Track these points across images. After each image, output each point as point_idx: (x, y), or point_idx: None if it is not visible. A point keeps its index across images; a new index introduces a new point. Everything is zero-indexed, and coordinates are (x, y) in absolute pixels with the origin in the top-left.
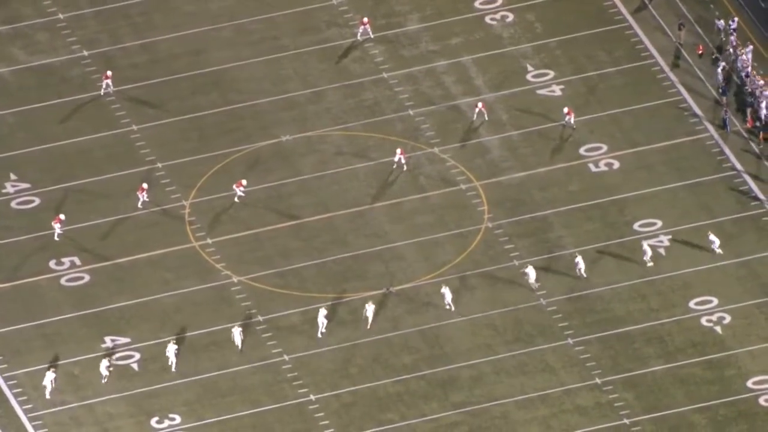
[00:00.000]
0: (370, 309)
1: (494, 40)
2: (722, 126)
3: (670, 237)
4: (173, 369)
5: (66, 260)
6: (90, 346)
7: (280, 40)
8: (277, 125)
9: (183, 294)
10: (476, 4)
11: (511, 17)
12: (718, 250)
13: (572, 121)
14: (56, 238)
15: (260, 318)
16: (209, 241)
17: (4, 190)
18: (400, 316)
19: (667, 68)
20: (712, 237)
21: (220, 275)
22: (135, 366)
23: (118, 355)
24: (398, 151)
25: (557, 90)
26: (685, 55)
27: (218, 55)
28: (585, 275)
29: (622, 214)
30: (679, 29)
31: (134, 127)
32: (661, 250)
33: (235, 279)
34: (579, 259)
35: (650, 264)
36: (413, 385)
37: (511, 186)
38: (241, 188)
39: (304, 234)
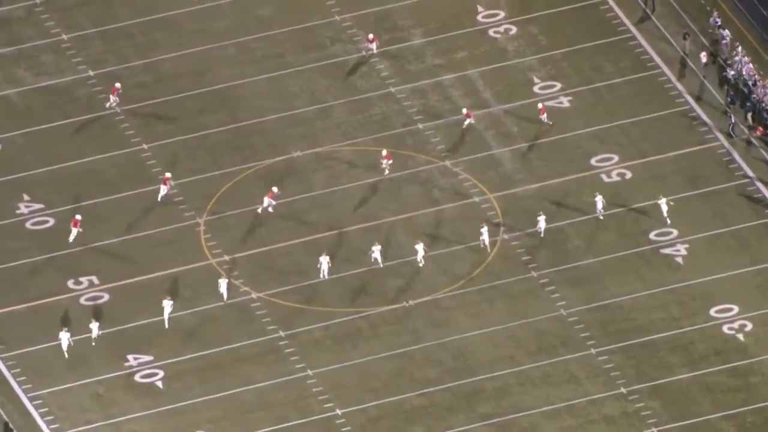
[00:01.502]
0: (377, 250)
1: (499, 53)
2: (730, 134)
3: (687, 246)
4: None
5: (84, 279)
6: (113, 364)
7: (284, 57)
8: (286, 142)
9: (203, 311)
10: (479, 18)
11: (514, 30)
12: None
13: (545, 118)
14: (70, 239)
15: (282, 334)
16: (226, 258)
17: (18, 211)
18: (420, 329)
19: (673, 78)
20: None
21: (238, 292)
22: (159, 384)
23: (141, 373)
24: (383, 153)
25: (565, 101)
26: (691, 64)
27: (223, 73)
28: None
29: (638, 223)
30: (684, 39)
31: (144, 146)
32: (679, 259)
33: (254, 295)
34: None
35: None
36: (438, 397)
37: (525, 198)
38: (272, 199)
39: (319, 249)
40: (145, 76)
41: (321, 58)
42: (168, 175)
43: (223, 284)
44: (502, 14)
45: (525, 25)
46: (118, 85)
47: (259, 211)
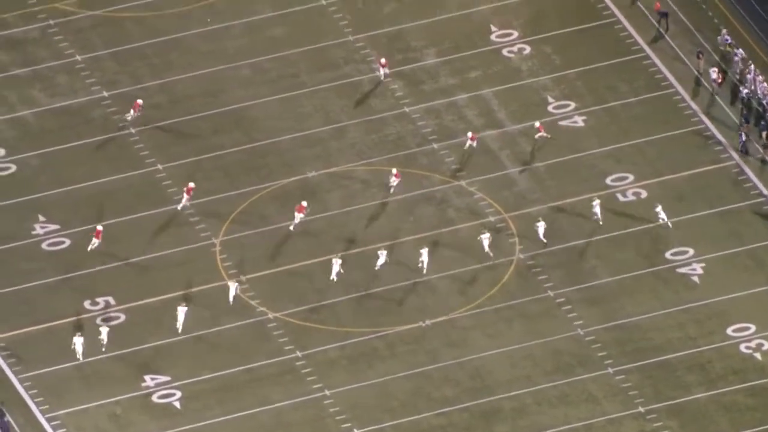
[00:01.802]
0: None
1: (513, 72)
2: (744, 152)
3: (703, 265)
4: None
5: (101, 300)
6: (130, 384)
7: (298, 77)
8: (301, 162)
9: (220, 331)
10: (492, 38)
11: (528, 50)
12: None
13: (545, 134)
14: (89, 248)
15: (299, 354)
16: (243, 278)
17: (33, 232)
18: (437, 349)
19: (687, 97)
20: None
21: (255, 312)
22: (177, 404)
23: (159, 393)
24: (393, 171)
25: (579, 121)
26: (705, 83)
27: (237, 93)
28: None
29: (654, 242)
30: (698, 58)
31: (159, 167)
32: (695, 278)
33: (270, 315)
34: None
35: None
36: (456, 417)
37: (541, 216)
38: (303, 213)
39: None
40: (159, 97)
41: (334, 78)
42: (191, 185)
43: (232, 288)
44: (515, 34)
45: (538, 44)
46: (140, 101)
47: (291, 228)
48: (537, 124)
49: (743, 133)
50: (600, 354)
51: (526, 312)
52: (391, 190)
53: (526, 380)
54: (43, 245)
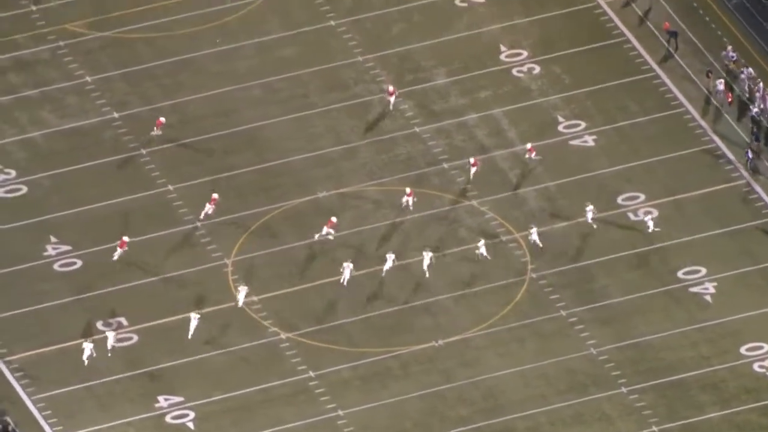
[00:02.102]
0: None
1: (523, 92)
2: (753, 170)
3: (715, 284)
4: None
5: (113, 321)
6: (143, 405)
7: (308, 98)
8: (312, 182)
9: (232, 352)
10: (502, 57)
11: (537, 69)
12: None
13: (535, 156)
14: (114, 258)
15: (312, 374)
16: (255, 298)
17: (45, 253)
18: (450, 368)
19: (698, 116)
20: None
21: (267, 332)
22: (190, 425)
23: (172, 414)
24: (407, 191)
25: (590, 140)
26: (715, 102)
27: (248, 114)
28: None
29: (665, 262)
30: (707, 77)
31: (170, 187)
32: (708, 298)
33: (283, 336)
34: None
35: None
36: None
37: (552, 236)
38: (331, 228)
39: (348, 289)
40: (170, 117)
41: (345, 98)
42: (215, 196)
43: (242, 291)
44: (525, 54)
45: (548, 64)
46: (162, 119)
47: (316, 237)
48: (528, 146)
49: (749, 151)
50: (613, 373)
51: (538, 331)
52: (410, 208)
53: (539, 399)
54: (55, 266)
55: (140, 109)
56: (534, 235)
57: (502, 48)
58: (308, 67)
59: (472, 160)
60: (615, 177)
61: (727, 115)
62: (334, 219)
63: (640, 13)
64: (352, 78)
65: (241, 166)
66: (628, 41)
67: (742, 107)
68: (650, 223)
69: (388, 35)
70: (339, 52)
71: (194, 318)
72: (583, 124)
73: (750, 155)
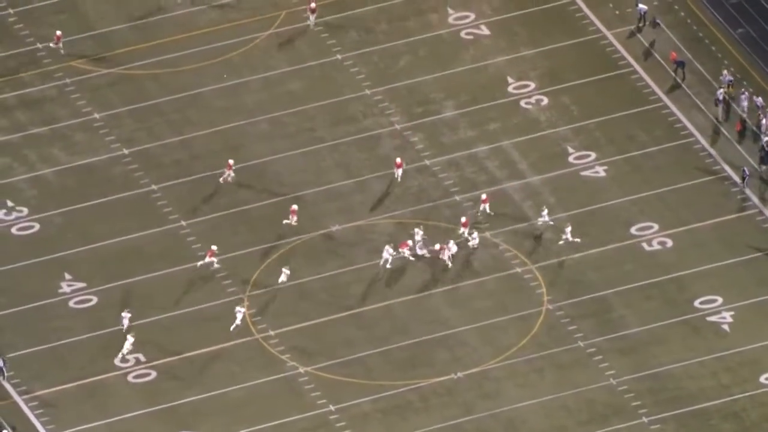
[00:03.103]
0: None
1: (532, 123)
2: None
3: (732, 313)
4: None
5: (131, 357)
6: None
7: (316, 131)
8: (324, 216)
9: (251, 387)
10: (510, 89)
11: (546, 101)
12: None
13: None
14: (198, 264)
15: (331, 408)
16: (271, 333)
17: (60, 290)
18: (470, 401)
19: (707, 145)
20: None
21: (286, 366)
22: None
23: None
24: (419, 231)
25: (601, 171)
26: (724, 131)
27: (257, 148)
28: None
29: (682, 291)
30: (716, 105)
31: (183, 223)
32: (725, 327)
33: (301, 370)
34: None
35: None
36: None
37: (567, 267)
38: (405, 249)
39: (364, 323)
40: (179, 153)
41: (354, 131)
42: (214, 247)
43: (239, 313)
44: (532, 85)
45: (556, 95)
46: (231, 161)
47: (284, 222)
48: (483, 196)
49: (745, 169)
50: (634, 403)
51: (557, 362)
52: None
53: (561, 430)
54: (71, 303)
55: (149, 145)
56: (545, 217)
57: (510, 80)
58: (315, 101)
59: (483, 197)
60: (628, 207)
61: (737, 144)
62: (294, 207)
63: (646, 43)
64: (361, 111)
65: (252, 200)
66: (635, 71)
67: (743, 134)
68: (568, 234)
69: (395, 68)
70: (346, 86)
71: (239, 310)
72: (594, 155)
73: (747, 173)
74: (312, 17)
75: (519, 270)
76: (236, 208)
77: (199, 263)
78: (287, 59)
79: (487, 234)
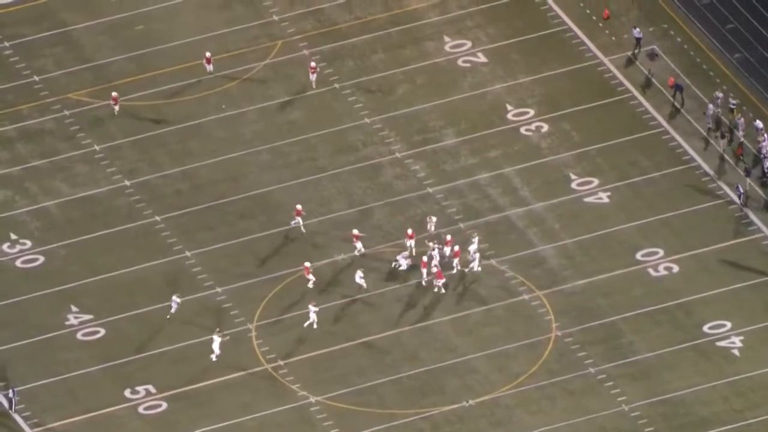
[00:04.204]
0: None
1: (533, 150)
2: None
3: (741, 338)
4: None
5: (140, 389)
6: None
7: (317, 161)
8: (329, 245)
9: (263, 417)
10: (509, 116)
11: (546, 127)
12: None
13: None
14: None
15: None
16: (281, 362)
17: (67, 323)
18: (482, 428)
19: (710, 170)
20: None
21: (297, 396)
22: None
23: None
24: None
25: (604, 197)
26: (727, 157)
27: (258, 178)
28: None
29: (690, 316)
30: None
31: (188, 254)
32: (735, 351)
33: (312, 399)
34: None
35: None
36: None
37: (574, 294)
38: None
39: (374, 351)
40: (181, 184)
41: (355, 160)
42: (299, 207)
43: (216, 342)
44: (531, 112)
45: (556, 122)
46: (299, 206)
47: (292, 224)
48: (448, 237)
49: (739, 186)
50: (647, 429)
51: (568, 389)
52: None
53: None
54: (79, 335)
55: (151, 176)
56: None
57: (509, 107)
58: (315, 131)
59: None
60: (632, 233)
61: (738, 169)
62: (299, 206)
63: (643, 69)
64: (361, 140)
65: (256, 230)
66: (633, 97)
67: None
68: (402, 262)
69: (392, 97)
70: (345, 115)
71: (216, 339)
72: (596, 181)
73: (741, 190)
74: (313, 77)
75: (526, 297)
76: (240, 238)
77: (293, 222)
78: (284, 89)
79: (493, 261)
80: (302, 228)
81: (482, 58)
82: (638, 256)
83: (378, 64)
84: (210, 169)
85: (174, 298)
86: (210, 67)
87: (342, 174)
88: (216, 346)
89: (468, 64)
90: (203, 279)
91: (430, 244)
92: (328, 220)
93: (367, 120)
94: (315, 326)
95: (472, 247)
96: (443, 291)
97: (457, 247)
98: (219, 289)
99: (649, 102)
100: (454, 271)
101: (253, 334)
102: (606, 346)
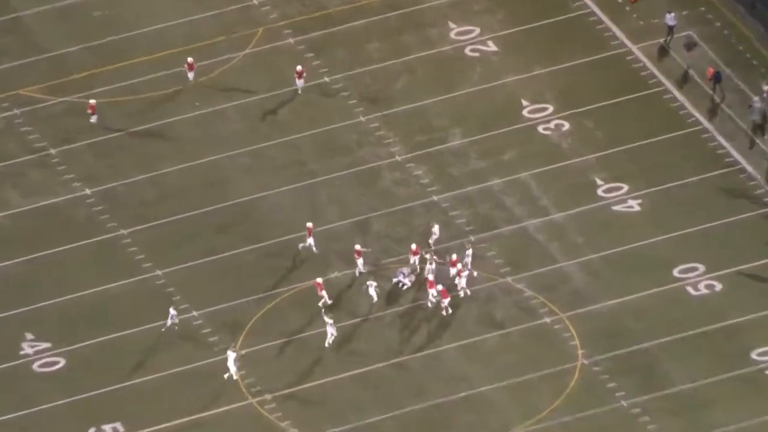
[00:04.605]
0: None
1: (552, 152)
2: None
3: None
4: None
5: (107, 428)
6: None
7: (306, 164)
8: (321, 261)
9: None
10: (525, 113)
11: (567, 125)
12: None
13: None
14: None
15: None
16: (267, 397)
17: (22, 352)
18: None
19: (757, 174)
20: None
21: None
22: None
23: None
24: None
25: (635, 205)
26: None
27: (239, 185)
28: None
29: (735, 341)
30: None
31: (159, 272)
32: None
33: None
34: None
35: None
36: None
37: (602, 316)
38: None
39: (373, 382)
40: (149, 193)
41: (349, 164)
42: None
43: (231, 358)
44: (550, 108)
45: (578, 118)
46: (310, 224)
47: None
48: (453, 256)
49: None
50: None
51: (598, 425)
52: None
53: None
54: (35, 366)
55: (115, 184)
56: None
57: (524, 102)
58: (303, 131)
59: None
60: (668, 246)
61: None
62: (309, 224)
63: (678, 59)
64: (355, 141)
65: (237, 245)
66: (667, 91)
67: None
68: (405, 280)
69: (389, 90)
70: (336, 112)
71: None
72: (626, 187)
73: None
74: (300, 82)
75: (548, 320)
76: (218, 254)
77: (301, 246)
78: (267, 83)
79: (509, 279)
80: (314, 248)
81: (492, 47)
82: (675, 272)
83: (373, 54)
84: (182, 175)
85: (171, 311)
86: (192, 75)
87: (334, 180)
88: (231, 364)
89: (476, 54)
90: (177, 302)
91: (427, 255)
92: (320, 232)
93: (362, 118)
94: (329, 343)
95: (465, 260)
96: (449, 311)
97: (460, 265)
98: (195, 313)
99: (685, 96)
100: (461, 294)
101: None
102: (639, 375)
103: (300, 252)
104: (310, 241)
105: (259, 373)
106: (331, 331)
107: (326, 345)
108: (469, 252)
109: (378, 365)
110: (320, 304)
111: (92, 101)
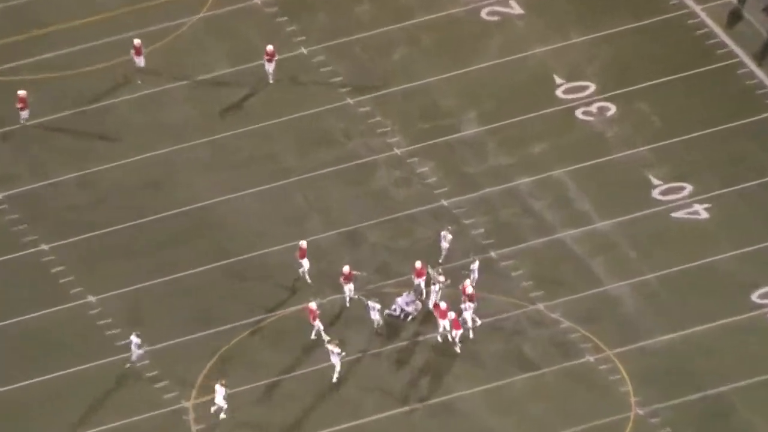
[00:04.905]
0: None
1: (594, 143)
2: None
3: None
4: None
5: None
6: None
7: (280, 160)
8: (302, 283)
9: None
10: (559, 93)
11: (613, 109)
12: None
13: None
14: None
15: None
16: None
17: None
18: None
19: None
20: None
21: None
22: None
23: None
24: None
25: (701, 211)
26: None
27: (193, 186)
28: None
29: None
30: None
31: (92, 299)
32: None
33: None
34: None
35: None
36: None
37: (660, 353)
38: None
39: None
40: (77, 196)
41: (335, 159)
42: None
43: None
44: (592, 87)
45: (628, 100)
46: (303, 243)
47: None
48: (468, 287)
49: None
50: None
51: None
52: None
53: None
54: None
55: (34, 185)
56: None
57: (557, 79)
58: (275, 117)
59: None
60: (744, 263)
61: None
62: (303, 244)
63: (756, 24)
64: (342, 129)
65: (191, 263)
66: (742, 64)
67: None
68: (409, 309)
69: (386, 64)
70: (317, 93)
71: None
72: (689, 187)
73: None
74: (270, 66)
75: (591, 359)
76: (168, 275)
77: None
78: (227, 56)
79: (541, 306)
80: (308, 278)
81: (516, 8)
82: (754, 297)
83: (363, 18)
84: (121, 174)
85: (133, 338)
86: (140, 61)
87: (316, 179)
88: (220, 399)
89: (496, 17)
90: (114, 336)
91: (432, 272)
92: (295, 248)
93: (349, 100)
94: (336, 374)
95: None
96: (459, 344)
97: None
98: (139, 351)
99: (765, 72)
100: (470, 327)
101: (191, 416)
102: (710, 428)
103: (302, 277)
104: (305, 266)
105: (222, 427)
106: (336, 361)
107: (333, 381)
108: (475, 266)
109: (375, 416)
110: (313, 335)
111: (21, 92)
